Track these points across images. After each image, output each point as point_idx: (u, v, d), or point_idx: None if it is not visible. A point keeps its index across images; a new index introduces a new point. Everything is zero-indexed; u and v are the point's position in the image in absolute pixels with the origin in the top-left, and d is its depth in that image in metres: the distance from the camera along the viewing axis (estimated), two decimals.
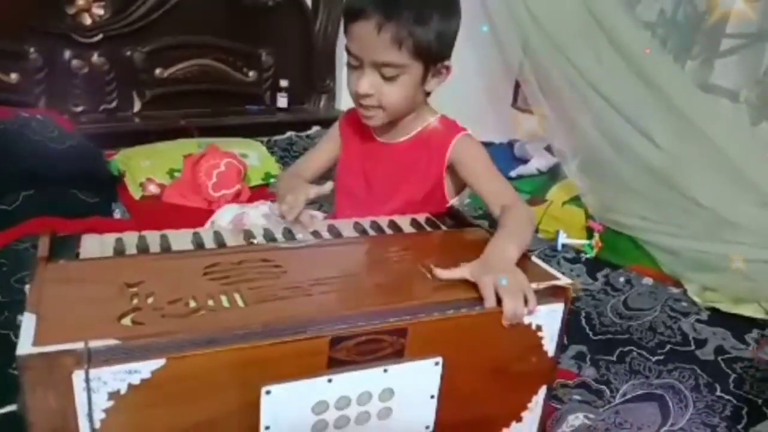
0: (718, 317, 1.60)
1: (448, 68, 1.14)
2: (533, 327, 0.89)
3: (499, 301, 0.85)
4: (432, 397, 0.86)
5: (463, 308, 0.85)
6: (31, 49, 2.16)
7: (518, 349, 0.90)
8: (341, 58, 2.78)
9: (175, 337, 0.71)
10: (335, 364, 0.77)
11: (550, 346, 0.92)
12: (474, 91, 2.77)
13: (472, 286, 0.88)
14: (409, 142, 1.21)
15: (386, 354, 0.80)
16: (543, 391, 0.96)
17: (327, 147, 1.34)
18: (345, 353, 0.77)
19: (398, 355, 0.81)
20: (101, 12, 2.25)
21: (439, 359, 0.84)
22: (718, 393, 1.32)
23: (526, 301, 0.86)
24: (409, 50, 1.05)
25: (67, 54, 2.23)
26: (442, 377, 0.85)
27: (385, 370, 0.81)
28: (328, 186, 1.15)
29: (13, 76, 2.15)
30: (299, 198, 1.10)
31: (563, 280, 0.93)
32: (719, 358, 1.43)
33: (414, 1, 1.05)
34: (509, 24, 2.34)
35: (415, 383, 0.84)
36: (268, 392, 0.75)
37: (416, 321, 0.81)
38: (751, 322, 1.60)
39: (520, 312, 0.85)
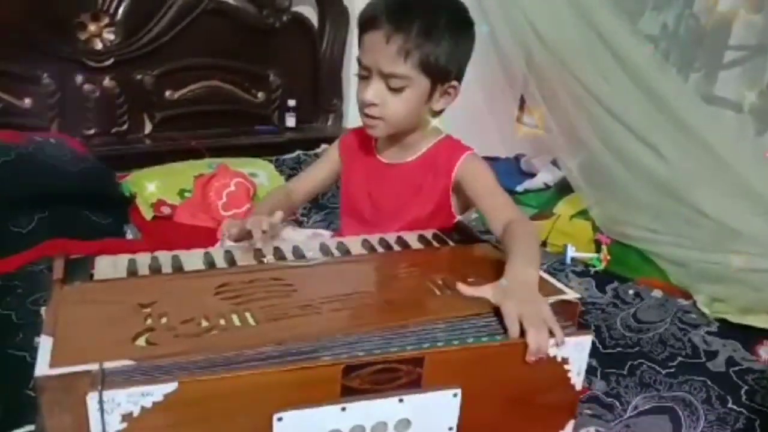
0: (728, 328, 1.58)
1: (456, 89, 1.16)
2: (559, 359, 0.85)
3: (522, 331, 0.83)
4: (450, 429, 0.83)
5: (484, 337, 0.83)
6: (44, 74, 2.20)
7: (543, 382, 0.87)
8: (348, 77, 2.81)
9: (188, 360, 0.72)
10: (349, 392, 0.76)
11: (577, 379, 0.88)
12: (479, 107, 2.78)
13: (481, 301, 0.88)
14: (415, 163, 1.22)
15: (402, 383, 0.78)
16: (570, 426, 0.92)
17: (323, 169, 1.35)
18: (359, 382, 0.76)
19: (415, 384, 0.79)
20: (112, 37, 2.29)
21: (458, 390, 0.81)
22: (730, 405, 1.31)
23: (552, 334, 0.83)
24: (414, 63, 1.08)
25: (79, 78, 2.27)
26: (461, 409, 0.82)
27: (401, 400, 0.78)
28: (278, 216, 1.13)
29: (27, 101, 2.19)
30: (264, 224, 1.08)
31: (571, 294, 0.94)
32: (730, 370, 1.42)
33: (425, 15, 1.07)
34: (512, 40, 2.36)
35: (433, 414, 0.81)
36: (280, 419, 0.74)
37: (434, 350, 0.79)
38: (762, 333, 1.59)
39: (544, 346, 0.82)
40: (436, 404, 0.81)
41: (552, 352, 0.84)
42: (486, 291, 0.90)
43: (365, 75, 1.12)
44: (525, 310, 0.84)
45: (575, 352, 0.86)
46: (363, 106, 1.14)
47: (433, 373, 0.79)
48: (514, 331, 0.83)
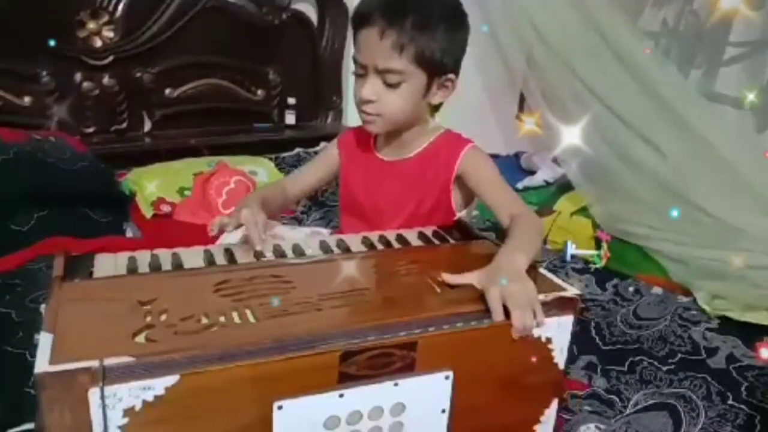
0: (728, 325, 1.58)
1: (453, 82, 1.16)
2: (543, 339, 0.89)
3: (507, 313, 0.85)
4: (443, 411, 0.86)
5: (473, 321, 0.85)
6: (44, 72, 2.20)
7: (529, 362, 0.90)
8: (348, 74, 2.81)
9: (188, 353, 0.72)
10: (346, 378, 0.78)
11: (560, 358, 0.92)
12: (479, 105, 2.79)
13: (481, 297, 0.88)
14: (414, 159, 1.22)
15: (397, 368, 0.81)
16: (555, 404, 0.95)
17: (320, 167, 1.35)
18: (356, 368, 0.78)
19: (409, 369, 0.81)
20: (111, 35, 2.29)
21: (450, 373, 0.84)
22: (730, 402, 1.31)
23: (535, 314, 0.86)
24: (409, 57, 1.07)
25: (79, 76, 2.27)
26: (453, 391, 0.85)
27: (396, 384, 0.81)
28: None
29: (26, 99, 2.18)
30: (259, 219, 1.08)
31: (571, 291, 0.94)
32: (730, 367, 1.42)
33: (418, 9, 1.07)
34: (513, 37, 2.36)
35: (426, 397, 0.84)
36: (280, 407, 0.75)
37: (426, 335, 0.81)
38: (762, 330, 1.59)
39: (529, 325, 0.86)
40: (429, 387, 0.84)
41: (536, 332, 0.87)
42: (471, 277, 0.91)
43: (361, 73, 1.12)
44: (508, 290, 0.86)
45: (558, 331, 0.90)
46: (360, 103, 1.14)
47: (426, 357, 0.82)
48: (497, 313, 0.85)
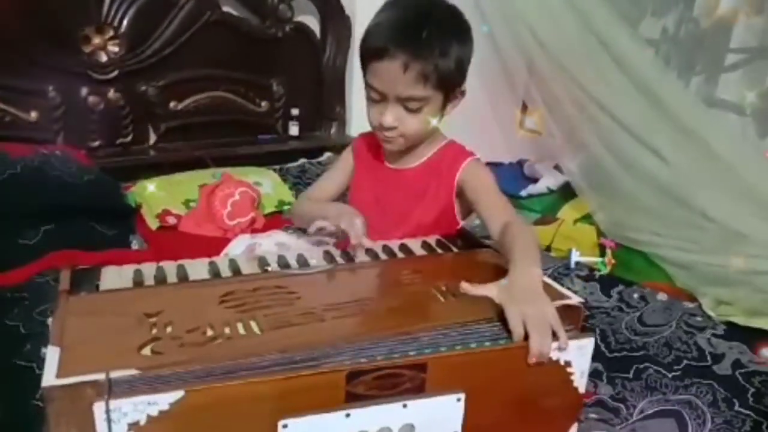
0: (734, 331, 1.57)
1: (463, 92, 1.17)
2: (562, 362, 0.85)
3: (526, 334, 0.82)
4: None
5: (487, 342, 0.83)
6: (50, 88, 2.22)
7: (546, 386, 0.86)
8: (351, 85, 2.82)
9: (193, 368, 0.72)
10: (353, 398, 0.76)
11: (580, 382, 0.88)
12: (482, 113, 2.79)
13: (485, 307, 0.88)
14: (419, 168, 1.24)
15: (406, 389, 0.78)
16: (574, 429, 0.92)
17: (342, 173, 1.36)
18: (363, 388, 0.76)
19: (418, 390, 0.79)
20: (116, 49, 2.31)
21: (462, 395, 0.81)
22: (737, 408, 1.30)
23: (555, 337, 0.83)
24: (433, 83, 1.09)
25: (84, 91, 2.29)
26: (466, 413, 0.82)
27: (405, 406, 0.79)
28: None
29: (33, 114, 2.20)
30: (360, 223, 1.13)
31: (574, 299, 0.93)
32: (737, 373, 1.41)
33: (436, 35, 1.07)
34: (513, 46, 2.37)
35: (437, 419, 0.81)
36: (285, 426, 0.74)
37: (437, 355, 0.79)
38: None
39: (546, 350, 0.82)
40: (440, 409, 0.81)
41: (554, 355, 0.84)
42: (490, 290, 0.90)
43: (378, 99, 1.12)
44: (529, 312, 0.84)
45: (578, 355, 0.86)
46: (381, 128, 1.15)
47: (437, 378, 0.79)
48: (518, 333, 0.82)
